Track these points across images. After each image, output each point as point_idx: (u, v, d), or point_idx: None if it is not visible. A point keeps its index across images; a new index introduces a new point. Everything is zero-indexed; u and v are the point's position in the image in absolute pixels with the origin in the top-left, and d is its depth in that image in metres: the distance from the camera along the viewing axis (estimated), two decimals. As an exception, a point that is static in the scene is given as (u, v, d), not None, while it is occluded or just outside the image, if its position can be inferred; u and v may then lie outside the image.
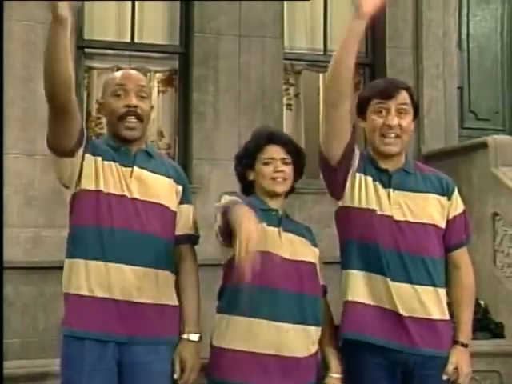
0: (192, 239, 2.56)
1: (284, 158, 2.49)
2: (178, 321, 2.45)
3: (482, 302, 4.81)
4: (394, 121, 2.44)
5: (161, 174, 2.48)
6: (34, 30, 4.82)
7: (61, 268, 2.43)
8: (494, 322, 4.67)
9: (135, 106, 2.41)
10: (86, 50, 5.29)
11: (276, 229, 2.45)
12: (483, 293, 4.80)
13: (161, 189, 2.46)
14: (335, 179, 2.46)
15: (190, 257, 2.53)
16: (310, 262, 2.47)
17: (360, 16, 2.24)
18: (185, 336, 2.43)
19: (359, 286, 2.43)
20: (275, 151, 2.49)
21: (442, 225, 2.48)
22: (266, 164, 2.49)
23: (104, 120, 2.63)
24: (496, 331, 4.62)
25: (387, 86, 2.50)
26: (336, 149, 2.41)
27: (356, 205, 2.46)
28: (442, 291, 2.46)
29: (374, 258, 2.41)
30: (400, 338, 2.38)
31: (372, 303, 2.42)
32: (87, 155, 2.39)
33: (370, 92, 2.54)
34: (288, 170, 2.50)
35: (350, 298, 2.45)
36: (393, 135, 2.45)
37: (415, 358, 2.39)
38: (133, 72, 2.55)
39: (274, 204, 2.51)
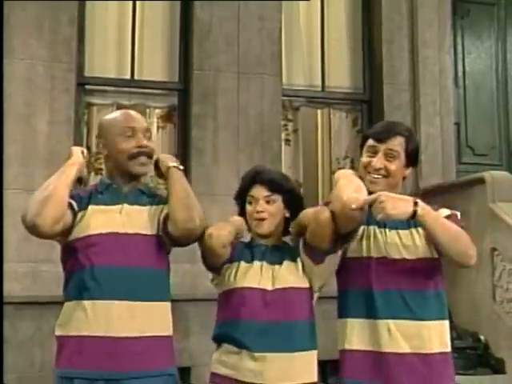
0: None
1: (267, 197, 2.48)
2: (172, 351, 2.43)
3: (482, 338, 4.79)
4: (379, 163, 2.44)
5: (146, 205, 2.47)
6: (35, 68, 4.89)
7: (59, 303, 2.43)
8: (494, 358, 4.65)
9: (146, 146, 2.49)
10: (87, 86, 5.35)
11: (259, 263, 2.46)
12: (484, 328, 4.80)
13: (145, 219, 2.44)
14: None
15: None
16: (298, 288, 2.44)
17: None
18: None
19: (356, 334, 2.42)
20: (257, 191, 2.50)
21: (437, 255, 2.46)
22: (249, 204, 2.51)
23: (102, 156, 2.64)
24: (497, 367, 4.60)
25: (382, 129, 2.53)
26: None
27: (355, 255, 2.47)
28: (445, 323, 2.45)
29: (371, 302, 2.40)
30: (399, 378, 2.36)
31: (369, 349, 2.40)
32: (77, 211, 2.39)
33: (369, 132, 2.59)
34: (272, 208, 2.48)
35: (347, 347, 2.44)
36: (376, 176, 2.45)
37: None
38: (137, 114, 2.59)
39: (264, 242, 2.52)
